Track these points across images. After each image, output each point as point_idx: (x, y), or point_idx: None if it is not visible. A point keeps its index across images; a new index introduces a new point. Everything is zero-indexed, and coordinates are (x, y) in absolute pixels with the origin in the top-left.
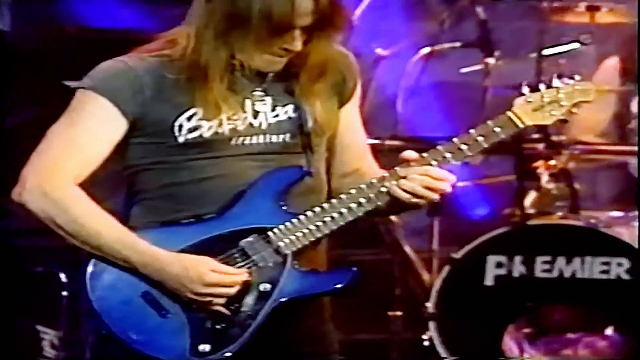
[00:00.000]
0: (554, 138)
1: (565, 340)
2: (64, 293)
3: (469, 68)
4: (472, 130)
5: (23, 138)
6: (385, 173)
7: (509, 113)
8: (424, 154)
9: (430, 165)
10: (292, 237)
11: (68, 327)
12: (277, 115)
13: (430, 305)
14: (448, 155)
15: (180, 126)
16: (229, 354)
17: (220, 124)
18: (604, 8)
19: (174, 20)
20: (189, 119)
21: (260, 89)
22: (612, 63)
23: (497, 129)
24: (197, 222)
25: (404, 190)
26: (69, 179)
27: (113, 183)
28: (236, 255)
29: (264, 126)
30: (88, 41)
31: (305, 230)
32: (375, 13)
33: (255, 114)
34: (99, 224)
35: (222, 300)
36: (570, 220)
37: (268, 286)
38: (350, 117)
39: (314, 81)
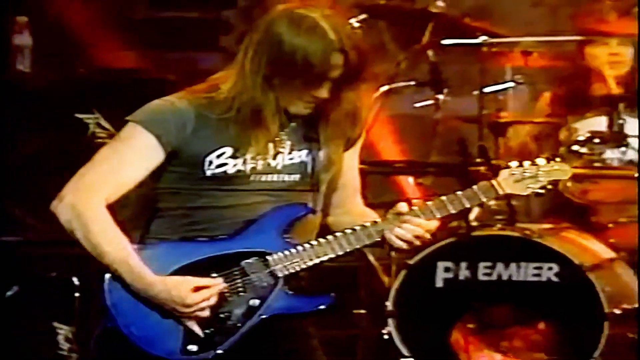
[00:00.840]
0: (494, 162)
1: (504, 333)
2: (76, 294)
3: (422, 103)
4: (459, 192)
5: (38, 163)
6: (377, 218)
7: (492, 181)
8: (414, 207)
9: (419, 217)
10: (287, 264)
11: (80, 324)
12: (292, 158)
13: (389, 304)
14: (435, 211)
15: (210, 162)
16: (212, 355)
17: (244, 163)
18: (535, 53)
19: (173, 63)
20: (219, 156)
21: (284, 132)
22: (545, 100)
23: (481, 195)
24: (210, 240)
25: (397, 237)
26: (101, 200)
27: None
28: (236, 272)
29: (279, 167)
30: (96, 81)
31: (300, 260)
32: None
33: (275, 155)
34: (109, 245)
35: (205, 313)
36: (507, 232)
37: (257, 302)
38: (352, 160)
39: (327, 124)
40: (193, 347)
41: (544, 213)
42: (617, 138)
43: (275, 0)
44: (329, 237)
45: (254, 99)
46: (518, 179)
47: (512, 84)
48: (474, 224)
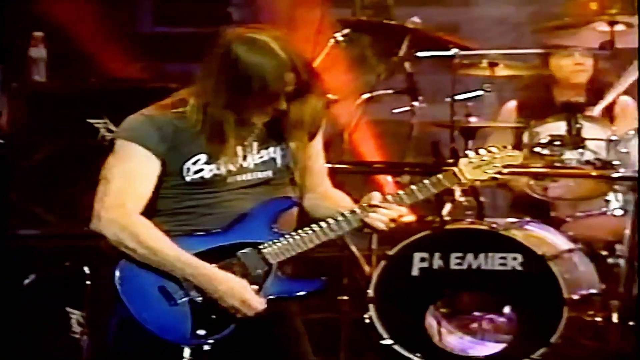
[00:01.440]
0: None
1: (473, 317)
2: (87, 282)
3: (399, 109)
4: (425, 181)
5: (53, 164)
6: (355, 208)
7: (454, 169)
8: (387, 196)
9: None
10: (278, 251)
11: (90, 309)
12: (261, 157)
13: (370, 291)
14: (405, 198)
15: (188, 169)
16: (219, 337)
17: (218, 167)
18: (501, 64)
19: (174, 73)
20: (194, 163)
21: (249, 138)
22: (511, 106)
23: (444, 181)
24: (207, 235)
25: (375, 220)
26: (133, 210)
27: None
28: (234, 262)
29: (251, 166)
30: (106, 89)
31: (289, 247)
32: (328, 68)
33: (245, 157)
34: (160, 244)
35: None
36: (477, 225)
37: (255, 287)
38: (317, 147)
39: (292, 130)
40: (202, 332)
41: (509, 208)
42: (575, 141)
43: (265, 18)
44: (314, 226)
45: (215, 115)
46: (476, 165)
47: (480, 92)
48: (447, 218)
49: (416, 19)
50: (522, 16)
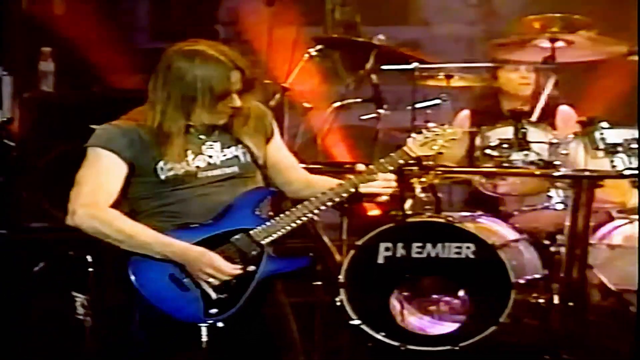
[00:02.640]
0: (425, 163)
1: (432, 300)
2: (90, 269)
3: (366, 116)
4: (381, 159)
5: (59, 164)
6: (335, 184)
7: (404, 148)
8: (370, 166)
9: (375, 173)
10: (266, 234)
11: (93, 293)
12: (225, 155)
13: (341, 277)
14: (387, 165)
15: (161, 168)
16: (230, 315)
17: (188, 164)
18: (456, 76)
19: None
20: (165, 163)
21: (211, 138)
22: (465, 114)
23: (398, 159)
24: (200, 226)
25: (372, 191)
26: (104, 204)
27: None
28: (230, 247)
29: (218, 163)
30: (107, 98)
31: (276, 228)
32: (304, 80)
33: (210, 155)
34: (133, 229)
35: (217, 281)
36: (435, 218)
37: (253, 268)
38: (278, 144)
39: (242, 126)
40: (214, 310)
41: (463, 204)
42: (521, 144)
43: (247, 35)
44: (299, 206)
45: (163, 125)
46: (422, 143)
47: (437, 101)
48: (409, 212)
49: (381, 36)
50: (474, 34)
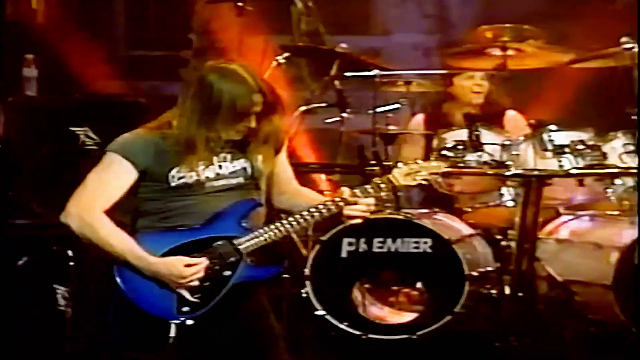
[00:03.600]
0: (385, 163)
1: (391, 291)
2: (71, 263)
3: (330, 120)
4: (366, 186)
5: (43, 165)
6: (327, 202)
7: (389, 176)
8: (355, 190)
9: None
10: (248, 243)
11: (74, 286)
12: (234, 166)
13: (307, 271)
14: (370, 191)
15: (172, 176)
16: (200, 314)
17: (198, 174)
18: (414, 82)
19: (144, 90)
20: (177, 171)
21: (224, 150)
22: (421, 116)
23: (382, 186)
24: (187, 230)
25: (354, 211)
26: (98, 209)
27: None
28: (211, 252)
29: (225, 173)
30: (87, 102)
31: (257, 239)
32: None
33: (220, 166)
34: (114, 240)
35: (195, 283)
36: (395, 215)
37: (228, 272)
38: (282, 159)
39: (261, 145)
40: (186, 309)
41: (421, 201)
42: (474, 145)
43: (219, 44)
44: (283, 221)
45: (189, 133)
46: (406, 173)
47: (397, 105)
48: None
49: (344, 45)
50: (431, 43)
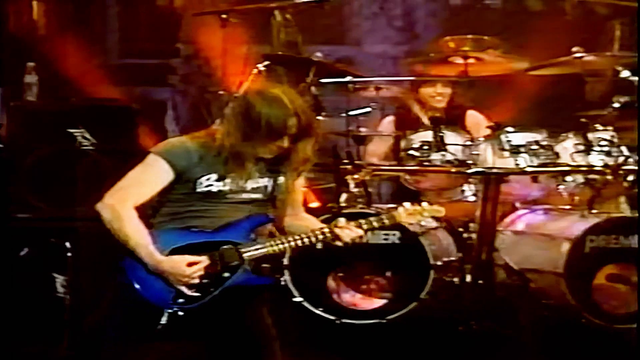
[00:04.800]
0: (357, 162)
1: (363, 279)
2: (69, 254)
3: None
4: (371, 218)
5: (42, 163)
6: (325, 228)
7: (394, 213)
8: (361, 221)
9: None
10: (251, 251)
11: (71, 274)
12: (257, 183)
13: (285, 261)
14: (364, 225)
15: (201, 183)
16: (194, 306)
17: (224, 185)
18: (384, 88)
19: (136, 95)
20: (207, 179)
21: (255, 167)
22: (390, 119)
23: (386, 221)
24: (200, 231)
25: (342, 238)
26: (132, 204)
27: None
28: (216, 254)
29: (249, 188)
30: (83, 106)
31: (260, 249)
32: None
33: (246, 181)
34: (134, 236)
35: (195, 281)
36: (366, 210)
37: (227, 274)
38: (299, 184)
39: (294, 169)
40: (181, 300)
41: (390, 197)
42: (439, 146)
43: (204, 53)
44: (284, 237)
45: (235, 147)
46: (410, 212)
47: (368, 109)
48: (343, 204)
49: (319, 54)
50: (399, 53)
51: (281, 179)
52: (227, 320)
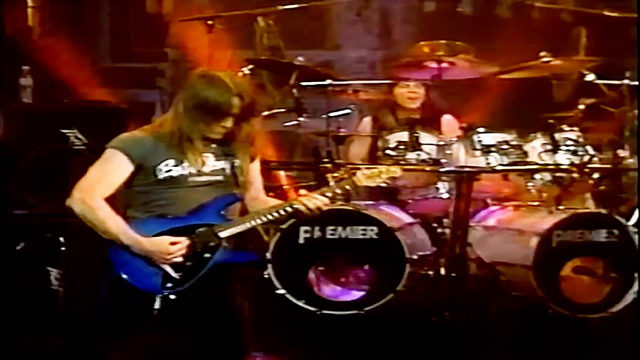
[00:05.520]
0: (337, 161)
1: (342, 272)
2: (63, 248)
3: (289, 123)
4: (332, 184)
5: (37, 162)
6: (285, 202)
7: (353, 178)
8: (324, 189)
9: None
10: (226, 230)
11: (65, 268)
12: (215, 166)
13: (268, 255)
14: (326, 192)
15: (160, 169)
16: (181, 290)
17: (183, 169)
18: (361, 91)
19: (126, 97)
20: (165, 165)
21: (208, 150)
22: (368, 119)
23: (347, 186)
24: (174, 218)
25: (306, 206)
26: (98, 195)
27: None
28: (194, 237)
29: (208, 171)
30: (75, 108)
31: (234, 228)
32: None
33: (203, 163)
34: (110, 223)
35: (178, 259)
36: (345, 206)
37: (208, 255)
38: (256, 167)
39: (236, 144)
40: (169, 284)
41: (368, 194)
42: (414, 145)
43: (191, 57)
44: (254, 213)
45: (183, 130)
46: (368, 176)
47: (347, 111)
48: None
49: (301, 58)
50: (376, 58)
51: (237, 161)
52: (217, 300)
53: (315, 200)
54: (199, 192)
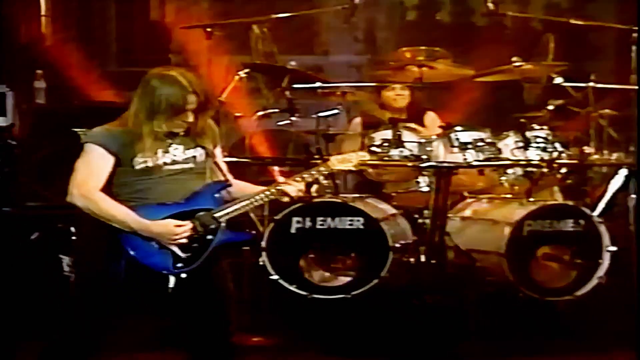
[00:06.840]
0: (326, 157)
1: (331, 259)
2: (73, 237)
3: (282, 122)
4: (310, 170)
5: (50, 158)
6: (266, 188)
7: (328, 162)
8: (304, 174)
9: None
10: (223, 213)
11: (76, 255)
12: (185, 155)
13: (263, 243)
14: (306, 177)
15: (137, 161)
16: (190, 269)
17: (157, 159)
18: (349, 93)
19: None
20: (141, 156)
21: (175, 141)
22: (358, 119)
23: (322, 169)
24: (174, 204)
25: (287, 192)
26: (95, 188)
27: None
28: (195, 220)
29: (179, 160)
30: (86, 108)
31: (230, 210)
32: (235, 95)
33: (174, 154)
34: (115, 211)
35: (183, 241)
36: (334, 199)
37: (211, 236)
38: (219, 152)
39: (199, 136)
40: (179, 264)
41: (355, 187)
42: (397, 143)
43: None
44: (244, 196)
45: (138, 128)
46: (341, 160)
47: (336, 111)
48: (315, 194)
49: (293, 63)
50: (363, 62)
51: (203, 150)
52: (210, 281)
53: (296, 186)
54: (175, 179)
